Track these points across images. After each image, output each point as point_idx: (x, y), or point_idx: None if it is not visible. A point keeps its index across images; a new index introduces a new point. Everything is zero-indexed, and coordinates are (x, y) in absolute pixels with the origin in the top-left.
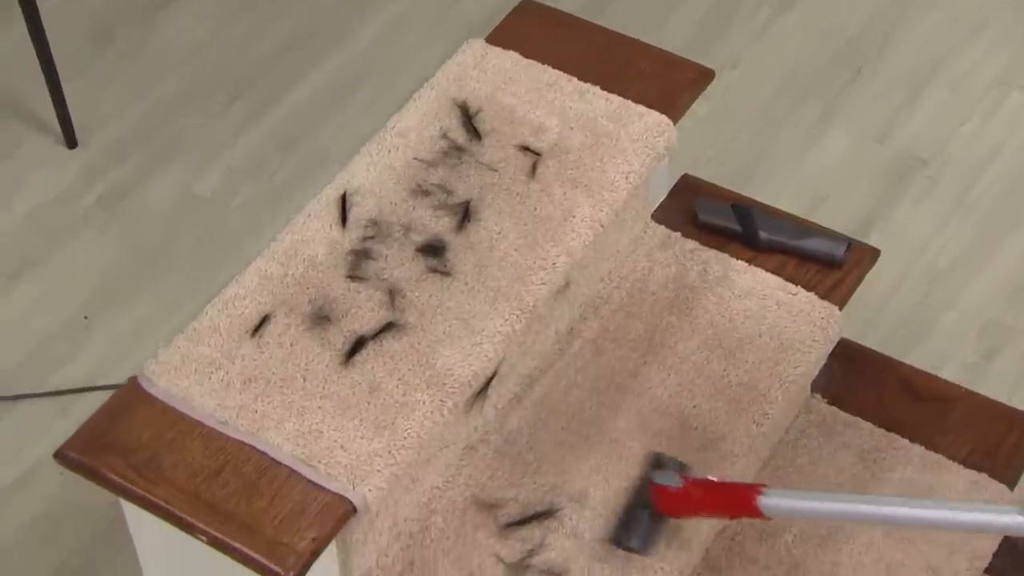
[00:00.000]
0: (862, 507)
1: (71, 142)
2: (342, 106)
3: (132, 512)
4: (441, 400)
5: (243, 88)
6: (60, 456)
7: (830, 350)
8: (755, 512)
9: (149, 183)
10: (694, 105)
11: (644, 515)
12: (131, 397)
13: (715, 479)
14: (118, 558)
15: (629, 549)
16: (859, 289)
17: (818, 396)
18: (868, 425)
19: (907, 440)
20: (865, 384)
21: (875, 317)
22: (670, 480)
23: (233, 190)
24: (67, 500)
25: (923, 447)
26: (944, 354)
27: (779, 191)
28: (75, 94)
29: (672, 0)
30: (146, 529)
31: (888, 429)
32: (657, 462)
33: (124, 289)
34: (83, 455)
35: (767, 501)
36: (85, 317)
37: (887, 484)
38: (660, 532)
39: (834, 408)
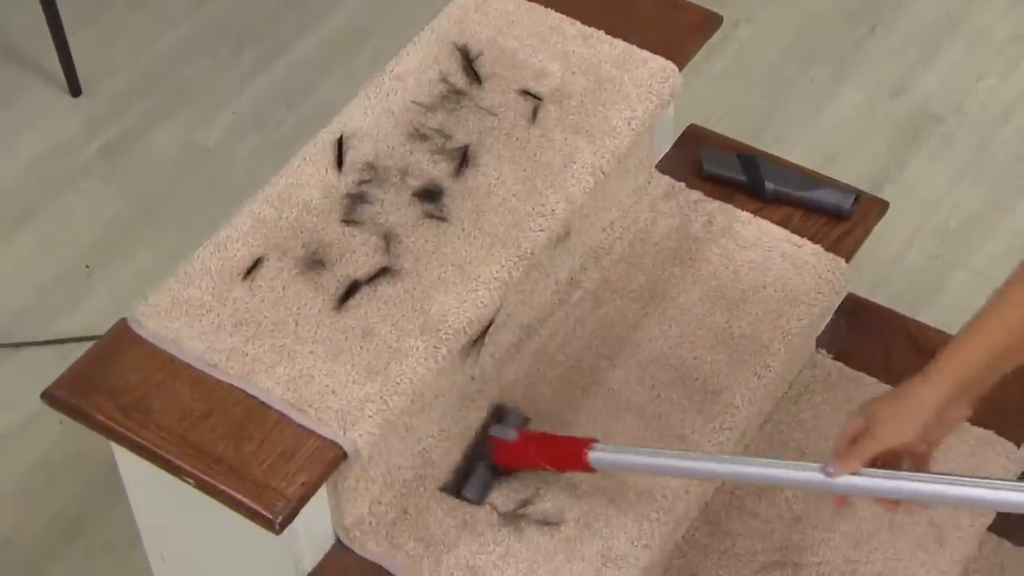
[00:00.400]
0: (687, 463)
1: (75, 91)
2: (349, 58)
3: (122, 455)
4: (435, 346)
5: (250, 39)
6: (48, 396)
7: (836, 303)
8: (584, 465)
9: (153, 133)
10: (707, 61)
11: (481, 466)
12: (120, 339)
13: (548, 432)
14: (115, 508)
15: (464, 499)
16: (869, 246)
17: (823, 351)
18: (873, 381)
19: None
20: (872, 340)
21: (885, 275)
22: (506, 433)
23: (238, 141)
24: (66, 449)
25: None
26: (954, 312)
27: (791, 147)
28: (81, 43)
29: None
30: (136, 473)
31: (894, 385)
32: (499, 413)
33: (126, 239)
34: (71, 396)
35: (596, 455)
36: (86, 266)
37: None
38: (495, 483)
39: (839, 364)
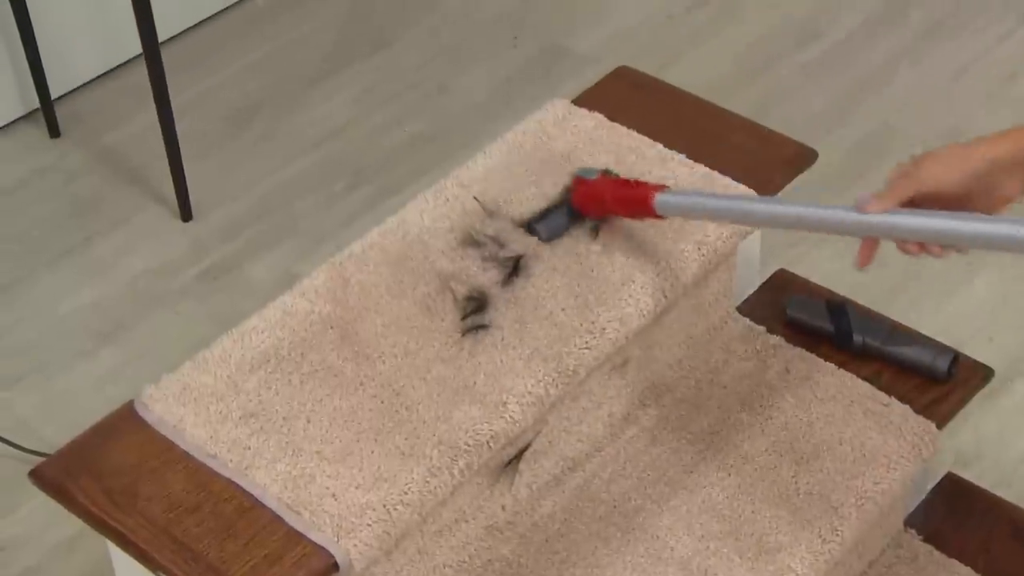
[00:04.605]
0: (757, 207)
1: (186, 216)
2: None
3: (114, 548)
4: (452, 458)
5: (365, 178)
6: (35, 475)
7: (924, 472)
8: (649, 210)
9: (253, 262)
10: None
11: (561, 210)
12: (122, 421)
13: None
14: None
15: (534, 233)
16: (994, 443)
17: (913, 531)
18: (967, 570)
19: None
20: (970, 525)
21: (1008, 475)
22: (589, 173)
23: None
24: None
25: None
26: None
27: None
28: (201, 172)
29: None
30: (123, 565)
31: None
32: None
33: None
34: (58, 475)
35: (662, 198)
36: None
37: None
38: (568, 227)
39: (930, 547)
